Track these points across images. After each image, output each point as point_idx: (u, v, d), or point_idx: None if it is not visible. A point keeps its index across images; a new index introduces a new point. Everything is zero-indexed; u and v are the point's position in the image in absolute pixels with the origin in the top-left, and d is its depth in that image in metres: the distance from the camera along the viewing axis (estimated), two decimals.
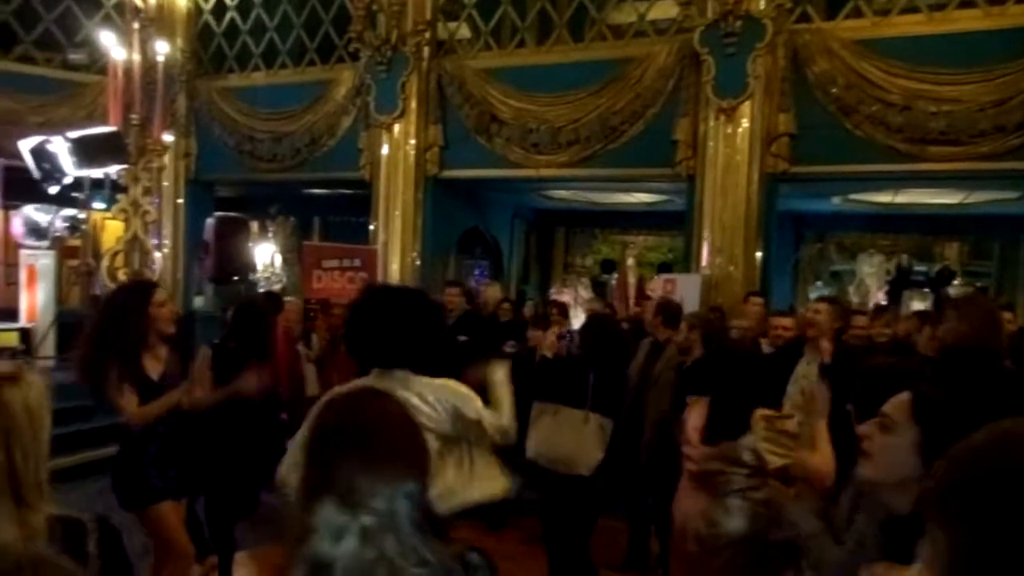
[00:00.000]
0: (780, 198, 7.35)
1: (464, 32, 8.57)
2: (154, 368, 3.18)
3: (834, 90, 6.55)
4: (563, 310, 6.54)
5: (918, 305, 9.24)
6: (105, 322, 3.11)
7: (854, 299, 10.19)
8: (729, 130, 6.78)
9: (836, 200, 9.58)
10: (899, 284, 10.20)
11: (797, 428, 2.75)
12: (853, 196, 9.25)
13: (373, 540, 1.05)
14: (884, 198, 9.13)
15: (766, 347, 4.73)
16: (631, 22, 7.74)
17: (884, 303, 9.05)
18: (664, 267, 10.58)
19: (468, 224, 10.10)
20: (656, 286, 7.66)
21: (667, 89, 7.17)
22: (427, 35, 8.12)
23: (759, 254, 6.96)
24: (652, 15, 7.60)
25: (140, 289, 3.34)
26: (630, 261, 11.47)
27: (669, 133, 7.14)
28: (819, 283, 11.14)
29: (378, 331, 2.26)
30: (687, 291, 6.61)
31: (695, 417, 2.90)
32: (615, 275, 11.70)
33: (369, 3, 8.05)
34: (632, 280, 10.65)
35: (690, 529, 2.68)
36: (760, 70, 6.59)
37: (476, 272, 11.43)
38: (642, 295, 9.27)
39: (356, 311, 2.40)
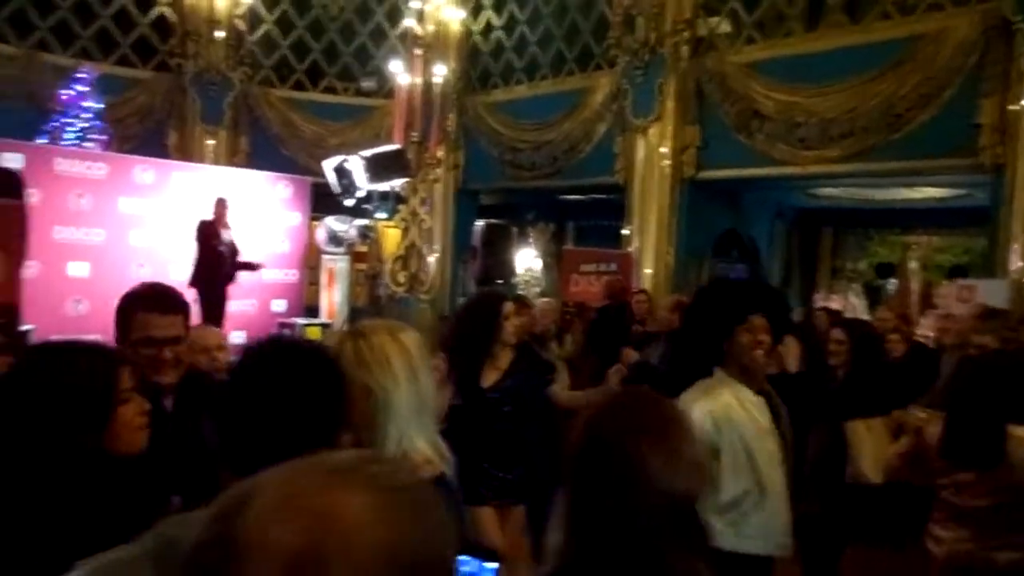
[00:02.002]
0: None
1: (724, 27, 8.26)
2: (490, 377, 3.28)
3: None
4: (839, 318, 5.98)
5: None
6: (460, 329, 3.36)
7: None
8: None
9: None
10: None
11: None
12: None
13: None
14: None
15: None
16: None
17: None
18: (957, 271, 9.24)
19: (724, 226, 9.70)
20: (948, 293, 6.72)
21: (967, 67, 6.26)
22: (686, 34, 7.96)
23: None
24: None
25: (489, 300, 3.48)
26: (913, 264, 10.21)
27: (969, 117, 6.22)
28: None
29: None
30: (990, 299, 5.69)
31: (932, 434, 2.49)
32: (893, 280, 10.51)
33: (628, 7, 8.09)
34: (916, 286, 9.49)
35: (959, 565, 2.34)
36: None
37: (731, 276, 10.93)
38: (928, 303, 8.22)
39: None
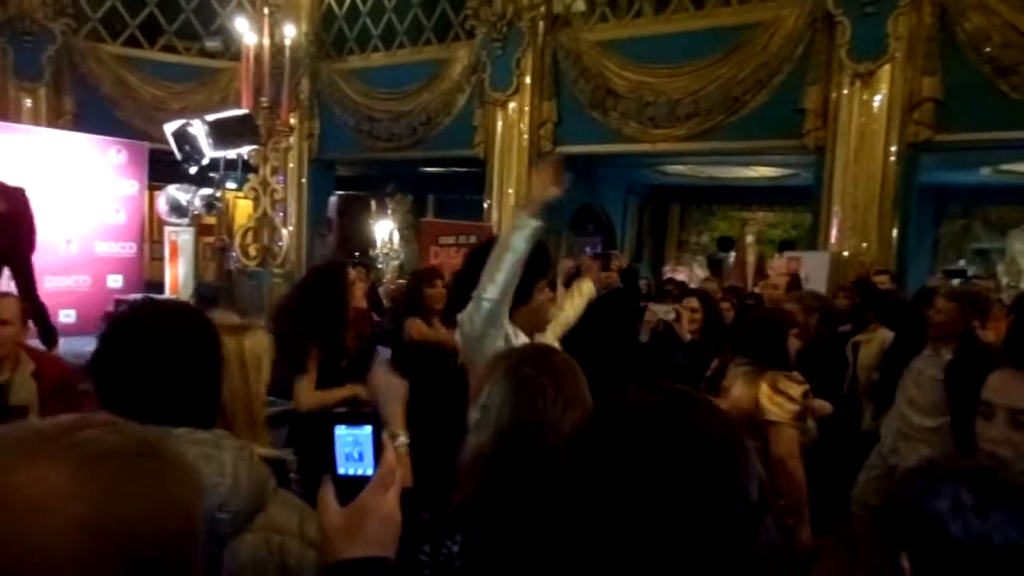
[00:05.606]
0: (921, 170, 6.80)
1: (579, 5, 8.41)
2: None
3: (988, 49, 5.95)
4: (682, 289, 6.34)
5: None
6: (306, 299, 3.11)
7: (1004, 279, 9.33)
8: (865, 97, 6.32)
9: (985, 171, 8.78)
10: None
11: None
12: (1005, 167, 8.44)
13: None
14: None
15: None
16: None
17: None
18: (786, 245, 10.08)
19: (581, 201, 9.98)
20: (778, 264, 7.31)
21: (795, 55, 6.75)
22: (542, 9, 8.03)
23: (895, 231, 6.48)
24: None
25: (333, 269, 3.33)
26: (749, 238, 11.01)
27: (796, 103, 6.74)
28: (962, 262, 10.29)
29: None
30: (813, 270, 6.27)
31: None
32: (733, 253, 11.28)
33: None
34: (751, 258, 10.25)
35: None
36: (902, 30, 6.07)
37: (588, 249, 11.30)
38: (762, 273, 8.90)
39: None
